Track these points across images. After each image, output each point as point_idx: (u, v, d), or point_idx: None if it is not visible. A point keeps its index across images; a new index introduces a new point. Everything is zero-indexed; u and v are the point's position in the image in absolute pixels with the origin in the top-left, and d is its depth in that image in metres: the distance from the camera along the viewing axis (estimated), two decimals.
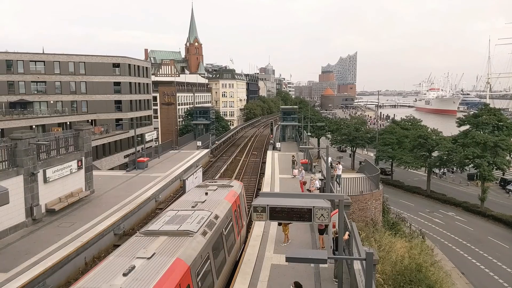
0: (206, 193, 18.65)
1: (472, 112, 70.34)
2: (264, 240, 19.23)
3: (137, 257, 11.20)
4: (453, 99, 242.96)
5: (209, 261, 13.32)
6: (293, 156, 38.23)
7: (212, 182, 22.38)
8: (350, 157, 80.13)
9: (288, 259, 8.07)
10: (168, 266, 10.75)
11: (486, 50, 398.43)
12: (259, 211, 9.75)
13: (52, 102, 62.41)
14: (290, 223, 17.89)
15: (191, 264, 11.62)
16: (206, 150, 51.56)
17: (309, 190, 25.24)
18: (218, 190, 19.69)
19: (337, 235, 13.88)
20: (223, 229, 15.79)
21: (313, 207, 9.54)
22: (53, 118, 57.33)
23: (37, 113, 58.95)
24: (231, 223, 17.32)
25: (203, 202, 17.21)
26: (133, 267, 10.53)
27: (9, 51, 63.63)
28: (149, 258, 11.14)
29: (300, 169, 31.20)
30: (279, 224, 18.85)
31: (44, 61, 62.12)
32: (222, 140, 70.50)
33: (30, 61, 61.29)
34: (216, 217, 15.58)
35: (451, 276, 29.29)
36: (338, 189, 26.85)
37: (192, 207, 16.40)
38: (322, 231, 17.80)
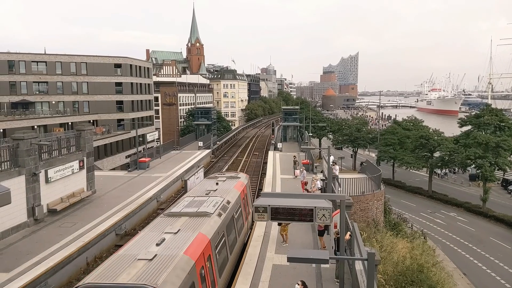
0: (217, 183, 20.45)
1: (474, 113, 70.22)
2: (266, 240, 19.23)
3: (165, 232, 13.07)
4: (455, 99, 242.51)
5: (224, 238, 15.33)
6: (294, 156, 38.20)
7: (220, 174, 24.67)
8: (351, 157, 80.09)
9: (290, 259, 8.07)
10: (192, 238, 12.69)
11: (487, 50, 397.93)
12: (261, 212, 9.76)
13: (54, 102, 62.54)
14: (289, 223, 17.93)
15: (211, 238, 13.61)
16: (207, 151, 51.58)
17: (307, 190, 25.20)
18: (227, 181, 21.55)
19: (339, 236, 13.88)
20: (234, 213, 17.78)
21: (315, 207, 9.55)
22: (55, 119, 57.45)
23: (39, 114, 59.09)
24: (240, 209, 19.31)
25: (215, 190, 19.07)
26: (164, 239, 12.37)
27: (11, 51, 63.82)
28: (175, 233, 13.04)
29: (301, 169, 31.19)
30: (279, 224, 18.84)
31: (46, 62, 62.25)
32: (224, 141, 70.50)
33: (32, 61, 61.45)
34: (228, 202, 17.52)
35: (453, 276, 29.23)
36: (338, 189, 26.82)
37: (206, 194, 18.36)
38: (322, 232, 17.66)
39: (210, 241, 13.41)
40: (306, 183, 27.86)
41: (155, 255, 11.21)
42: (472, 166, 55.99)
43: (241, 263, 16.67)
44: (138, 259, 10.98)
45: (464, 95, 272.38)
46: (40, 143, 22.19)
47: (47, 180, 22.87)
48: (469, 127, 59.88)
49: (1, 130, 47.83)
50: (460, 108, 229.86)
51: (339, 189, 26.47)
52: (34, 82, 61.51)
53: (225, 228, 15.72)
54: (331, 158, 24.71)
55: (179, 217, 14.87)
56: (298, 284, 11.75)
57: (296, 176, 32.84)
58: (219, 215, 15.57)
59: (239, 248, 17.93)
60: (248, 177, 25.10)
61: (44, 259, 17.20)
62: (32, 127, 51.00)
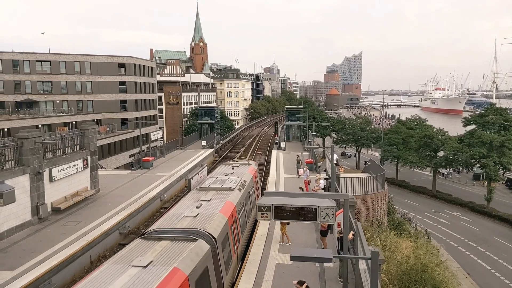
0: (233, 168, 24.77)
1: (478, 112, 69.98)
2: (269, 239, 19.21)
3: (201, 200, 17.04)
4: (459, 98, 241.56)
5: (243, 207, 19.05)
6: (298, 155, 38.15)
7: (234, 161, 29.75)
8: (354, 156, 79.93)
9: (293, 258, 8.06)
10: (223, 204, 16.53)
11: (492, 49, 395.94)
12: (264, 210, 9.74)
13: (58, 101, 62.78)
14: (288, 223, 17.92)
15: (236, 205, 17.51)
16: (210, 150, 51.58)
17: (313, 190, 25.13)
18: (241, 166, 25.86)
19: (342, 235, 13.85)
20: (249, 190, 21.60)
21: (318, 206, 9.52)
22: (59, 118, 57.69)
23: (43, 113, 59.35)
24: (253, 188, 23.29)
25: (232, 173, 23.14)
26: (201, 204, 16.32)
27: (15, 51, 64.10)
28: (209, 201, 16.98)
29: (304, 168, 31.14)
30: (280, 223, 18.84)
31: (50, 61, 62.49)
32: (227, 140, 70.50)
33: (36, 61, 61.67)
34: (244, 181, 21.21)
35: (457, 276, 29.14)
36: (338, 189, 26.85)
37: (225, 175, 22.41)
38: (325, 232, 17.44)
39: (235, 207, 17.26)
40: (309, 182, 27.82)
41: (198, 213, 14.96)
42: (477, 166, 55.73)
43: (245, 262, 16.66)
44: (186, 216, 14.76)
45: (469, 94, 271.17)
46: (44, 142, 22.24)
47: (51, 179, 22.93)
48: (473, 127, 59.66)
49: (6, 129, 48.08)
50: (464, 107, 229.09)
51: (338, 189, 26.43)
52: (38, 81, 61.74)
53: (244, 200, 19.42)
54: (335, 156, 24.76)
55: (208, 191, 18.84)
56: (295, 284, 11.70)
57: (299, 176, 32.78)
58: (239, 189, 19.48)
59: (253, 219, 21.30)
60: (257, 163, 30.38)
61: (48, 257, 17.25)
62: (37, 126, 51.23)
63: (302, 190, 23.46)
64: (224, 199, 17.20)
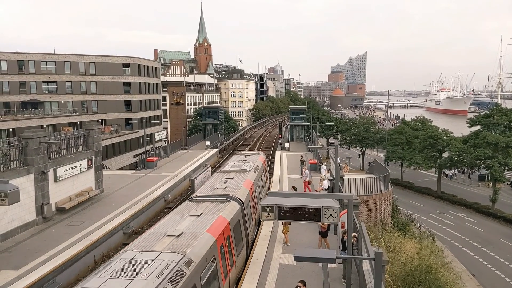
0: (245, 156, 29.86)
1: (484, 113, 69.47)
2: (273, 240, 19.21)
3: (225, 178, 21.71)
4: (464, 99, 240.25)
5: (258, 185, 24.12)
6: (301, 156, 38.11)
7: (245, 152, 36.11)
8: (359, 157, 79.70)
9: (296, 258, 8.04)
10: (244, 180, 21.53)
11: (497, 49, 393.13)
12: (268, 211, 9.71)
13: (62, 102, 63.03)
14: (290, 223, 17.87)
15: (253, 182, 22.41)
16: (214, 150, 51.62)
17: (316, 190, 25.06)
18: (252, 155, 30.80)
19: (345, 235, 13.84)
20: (261, 173, 26.70)
21: (322, 207, 9.48)
22: (63, 118, 57.94)
23: (48, 113, 59.61)
24: (264, 172, 28.96)
25: (246, 160, 28.05)
26: (227, 181, 21.01)
27: (20, 51, 64.43)
28: (232, 179, 21.71)
29: (304, 168, 31.17)
30: (282, 223, 18.76)
31: (55, 61, 62.77)
32: (231, 140, 70.50)
33: (41, 61, 61.97)
34: (257, 166, 26.23)
35: (461, 277, 29.00)
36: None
37: (241, 161, 27.40)
38: (325, 233, 17.29)
39: (253, 183, 22.14)
40: (310, 182, 27.79)
41: (226, 186, 19.78)
42: (482, 167, 55.40)
43: (248, 262, 16.65)
44: (217, 188, 19.57)
45: (474, 94, 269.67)
46: (49, 142, 22.35)
47: (55, 179, 23.03)
48: (478, 127, 59.27)
49: (11, 129, 48.31)
50: (469, 108, 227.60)
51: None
52: (43, 81, 62.01)
53: (257, 179, 24.41)
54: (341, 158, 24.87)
55: (229, 172, 23.79)
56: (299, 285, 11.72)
57: (303, 176, 32.71)
58: (254, 172, 24.33)
59: (265, 192, 25.97)
60: (265, 153, 36.14)
61: (52, 257, 17.33)
62: (41, 126, 51.45)
63: (295, 190, 23.50)
64: (244, 178, 22.05)
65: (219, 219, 14.73)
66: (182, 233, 12.97)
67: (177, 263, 10.76)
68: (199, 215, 14.93)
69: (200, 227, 13.73)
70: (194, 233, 13.08)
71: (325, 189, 24.62)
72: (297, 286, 11.80)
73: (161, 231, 13.24)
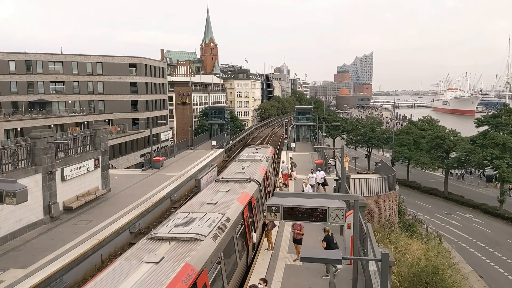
0: (257, 149, 32.93)
1: (491, 113, 68.94)
2: (278, 240, 19.20)
3: (243, 165, 25.45)
4: (472, 99, 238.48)
5: (270, 173, 27.93)
6: (291, 158, 36.68)
7: (256, 145, 39.79)
8: (365, 157, 79.44)
9: (302, 259, 8.04)
10: (259, 167, 25.21)
11: (506, 48, 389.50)
12: (273, 211, 9.69)
13: (70, 102, 63.42)
14: (273, 228, 17.96)
15: (266, 170, 26.00)
16: (220, 150, 51.67)
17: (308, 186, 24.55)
18: (263, 148, 34.37)
19: (327, 233, 14.63)
20: (271, 163, 30.64)
21: (328, 207, 9.44)
22: (71, 118, 58.32)
23: (56, 113, 60.03)
24: (274, 162, 32.87)
25: (258, 152, 31.06)
26: (244, 168, 24.56)
27: (28, 51, 64.93)
28: (248, 166, 25.32)
29: (288, 168, 31.89)
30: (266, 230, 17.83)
31: (62, 62, 63.17)
32: (237, 140, 70.50)
33: (49, 61, 62.36)
34: (268, 157, 29.70)
35: (468, 279, 28.84)
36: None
37: (253, 153, 30.66)
38: (299, 240, 16.30)
39: (266, 170, 25.86)
40: (289, 176, 31.21)
41: (245, 171, 23.58)
42: (489, 167, 54.98)
43: (254, 263, 16.66)
44: (237, 172, 23.36)
45: (481, 94, 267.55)
46: (57, 141, 22.48)
47: (63, 178, 23.17)
48: (486, 128, 58.86)
49: (19, 129, 48.72)
50: (477, 108, 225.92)
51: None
52: (51, 81, 62.42)
53: (269, 167, 28.49)
54: (321, 174, 27.88)
55: (245, 161, 27.24)
56: (260, 284, 11.74)
57: (308, 179, 32.23)
58: (266, 161, 27.87)
59: (273, 183, 29.47)
60: (273, 147, 41.26)
61: (59, 256, 17.43)
62: (49, 126, 51.84)
63: (286, 186, 26.12)
64: (258, 165, 25.63)
65: (244, 194, 18.45)
66: (217, 202, 16.61)
67: (220, 219, 14.32)
68: (228, 191, 18.57)
69: (230, 198, 17.40)
70: (227, 202, 16.73)
71: (311, 185, 25.50)
72: (258, 283, 11.79)
73: (200, 201, 16.99)
